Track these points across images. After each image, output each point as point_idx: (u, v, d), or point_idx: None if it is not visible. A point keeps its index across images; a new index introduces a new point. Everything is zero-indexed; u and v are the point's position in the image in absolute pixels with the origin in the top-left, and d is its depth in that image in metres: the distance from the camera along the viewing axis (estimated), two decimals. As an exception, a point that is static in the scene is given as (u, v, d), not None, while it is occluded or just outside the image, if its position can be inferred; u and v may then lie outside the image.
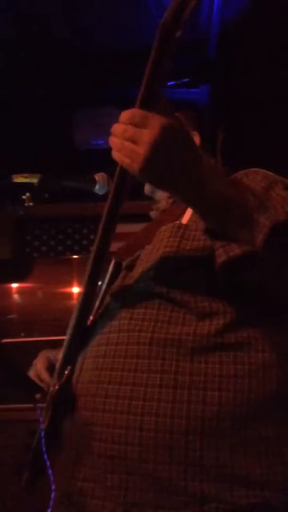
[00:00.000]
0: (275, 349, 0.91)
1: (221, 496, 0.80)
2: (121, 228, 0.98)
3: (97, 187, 1.24)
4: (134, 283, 1.01)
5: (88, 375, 0.94)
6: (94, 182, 1.24)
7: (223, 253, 0.84)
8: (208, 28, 3.19)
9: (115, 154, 0.78)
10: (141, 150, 0.73)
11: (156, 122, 0.74)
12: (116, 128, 0.78)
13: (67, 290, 3.14)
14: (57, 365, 1.02)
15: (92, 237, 3.68)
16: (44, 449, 0.91)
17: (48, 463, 0.90)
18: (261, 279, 0.90)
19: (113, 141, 0.78)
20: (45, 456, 0.90)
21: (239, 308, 0.92)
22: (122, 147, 0.76)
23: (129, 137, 0.75)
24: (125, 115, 0.77)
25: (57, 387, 0.95)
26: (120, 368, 0.90)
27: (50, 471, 0.89)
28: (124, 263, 1.12)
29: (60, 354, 1.12)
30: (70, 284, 3.16)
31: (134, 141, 0.75)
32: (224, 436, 0.83)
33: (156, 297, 0.95)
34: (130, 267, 1.08)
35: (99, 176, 1.25)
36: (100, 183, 1.24)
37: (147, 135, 0.73)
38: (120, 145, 0.76)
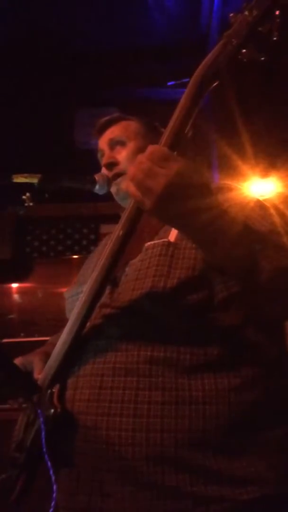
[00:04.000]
0: (264, 363, 0.97)
1: (224, 496, 0.85)
2: (109, 228, 0.98)
3: (97, 187, 1.24)
4: (128, 302, 1.00)
5: (86, 393, 0.94)
6: (94, 182, 1.24)
7: (224, 289, 0.94)
8: (208, 28, 3.19)
9: (131, 187, 0.82)
10: (156, 187, 0.78)
11: (174, 164, 0.79)
12: (138, 160, 0.81)
13: (67, 290, 3.14)
14: (42, 381, 1.02)
15: (92, 237, 3.68)
16: (44, 448, 0.92)
17: (49, 463, 0.90)
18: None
19: (132, 172, 0.81)
20: (46, 455, 0.91)
21: (232, 326, 0.96)
22: (138, 180, 0.80)
23: (147, 171, 0.79)
24: (148, 150, 0.82)
25: (59, 410, 0.95)
26: (121, 387, 0.92)
27: (51, 470, 0.89)
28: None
29: (36, 365, 1.11)
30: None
31: (150, 177, 0.79)
32: (223, 444, 0.88)
33: (151, 317, 0.97)
34: (115, 282, 1.07)
35: (99, 176, 1.25)
36: (100, 183, 1.24)
37: (164, 176, 0.78)
38: (137, 178, 0.80)
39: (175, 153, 0.87)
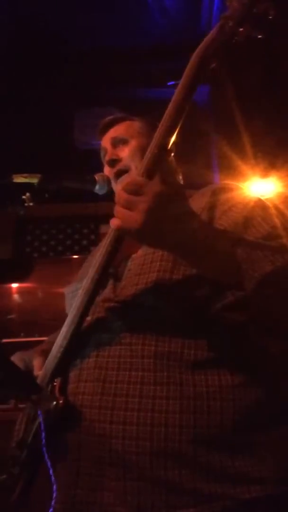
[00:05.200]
0: (268, 361, 0.97)
1: (226, 494, 0.85)
2: (109, 228, 0.99)
3: (97, 187, 1.24)
4: (131, 296, 1.00)
5: (90, 386, 0.94)
6: (94, 182, 1.23)
7: (217, 301, 0.95)
8: (208, 28, 3.19)
9: (115, 221, 0.85)
10: (136, 216, 0.81)
11: (150, 190, 0.82)
12: (117, 195, 0.85)
13: (67, 290, 3.12)
14: (43, 377, 1.02)
15: (92, 237, 3.68)
16: (44, 448, 0.92)
17: (49, 462, 0.90)
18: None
19: (116, 209, 0.85)
20: (46, 455, 0.91)
21: (236, 323, 0.97)
22: (120, 213, 0.83)
23: (126, 204, 0.83)
24: (124, 184, 0.85)
25: (61, 401, 0.95)
26: (125, 381, 0.92)
27: (50, 470, 0.89)
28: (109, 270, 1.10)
29: (36, 362, 1.11)
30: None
31: (130, 208, 0.82)
32: (226, 442, 0.88)
33: (155, 312, 0.97)
34: (118, 276, 1.07)
35: (99, 176, 1.25)
36: (100, 183, 1.24)
37: (142, 203, 0.81)
38: (119, 212, 0.84)
39: (170, 150, 0.91)
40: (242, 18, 0.88)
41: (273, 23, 0.85)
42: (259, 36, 0.88)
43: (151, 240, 0.86)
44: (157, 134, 0.92)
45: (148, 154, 0.92)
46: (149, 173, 0.89)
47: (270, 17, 0.86)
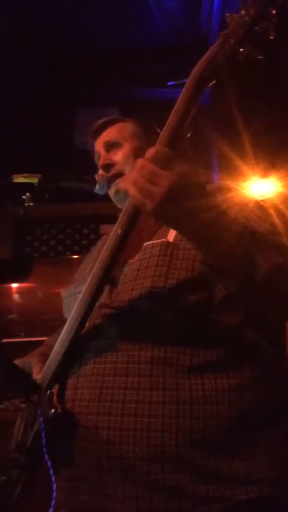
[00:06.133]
0: (263, 363, 0.97)
1: (224, 495, 0.86)
2: (109, 228, 0.99)
3: (97, 187, 1.24)
4: (127, 302, 1.00)
5: (87, 393, 0.95)
6: (94, 182, 1.24)
7: (222, 288, 0.94)
8: (208, 28, 3.19)
9: (132, 190, 0.82)
10: (158, 191, 0.78)
11: (176, 167, 0.79)
12: (139, 163, 0.81)
13: (67, 290, 3.12)
14: (41, 382, 1.02)
15: (92, 237, 3.68)
16: (44, 448, 0.92)
17: (49, 462, 0.90)
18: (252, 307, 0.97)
19: (133, 177, 0.81)
20: (46, 454, 0.91)
21: (231, 327, 0.97)
22: (140, 185, 0.80)
23: (148, 176, 0.79)
24: (149, 152, 0.81)
25: (59, 410, 0.95)
26: (122, 387, 0.92)
27: (51, 471, 0.90)
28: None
29: (35, 368, 1.12)
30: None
31: (152, 181, 0.78)
32: (223, 444, 0.89)
33: (150, 317, 0.97)
34: (114, 282, 1.07)
35: (99, 176, 1.25)
36: (100, 183, 1.24)
37: (166, 179, 0.78)
38: (139, 183, 0.80)
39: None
40: (243, 36, 0.85)
41: (274, 44, 0.83)
42: (260, 57, 0.87)
43: (165, 218, 0.85)
44: (160, 141, 0.89)
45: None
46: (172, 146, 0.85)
47: (271, 37, 0.83)
